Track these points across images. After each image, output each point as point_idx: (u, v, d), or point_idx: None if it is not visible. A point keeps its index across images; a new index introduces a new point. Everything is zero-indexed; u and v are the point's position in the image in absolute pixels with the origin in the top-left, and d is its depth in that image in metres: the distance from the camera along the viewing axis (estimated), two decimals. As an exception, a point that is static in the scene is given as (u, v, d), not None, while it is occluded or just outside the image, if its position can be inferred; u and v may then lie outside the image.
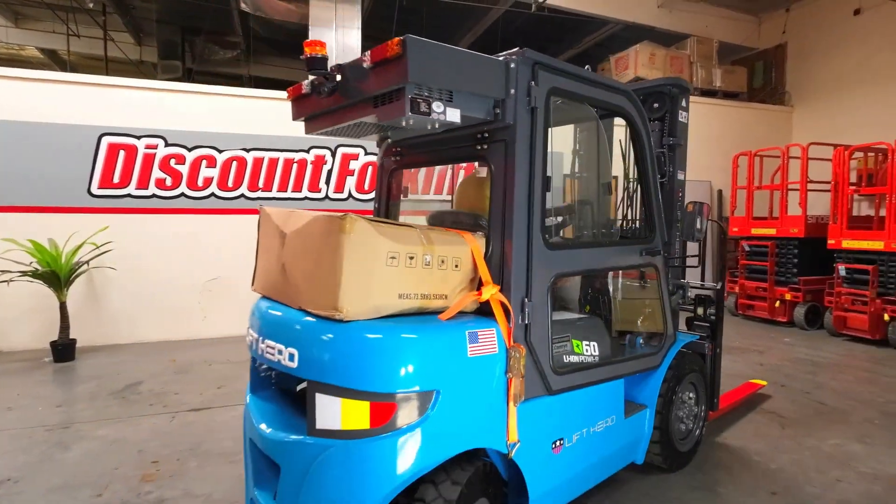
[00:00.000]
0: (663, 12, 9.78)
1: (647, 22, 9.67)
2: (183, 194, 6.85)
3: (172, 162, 6.77)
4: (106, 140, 6.49)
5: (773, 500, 3.06)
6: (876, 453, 3.68)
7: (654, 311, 3.21)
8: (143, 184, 6.67)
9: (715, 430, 3.98)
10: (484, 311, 2.31)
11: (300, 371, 2.10)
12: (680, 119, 3.59)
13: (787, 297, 7.74)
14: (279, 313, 2.31)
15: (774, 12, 10.70)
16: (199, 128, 6.86)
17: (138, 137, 6.62)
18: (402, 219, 3.20)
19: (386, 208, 3.12)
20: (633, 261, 3.05)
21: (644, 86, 3.69)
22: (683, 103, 3.61)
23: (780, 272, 7.96)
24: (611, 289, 3.34)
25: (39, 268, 5.75)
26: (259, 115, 7.12)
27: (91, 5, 9.50)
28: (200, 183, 6.91)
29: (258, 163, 7.13)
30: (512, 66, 2.25)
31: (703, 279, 3.92)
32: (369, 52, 2.02)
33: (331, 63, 2.24)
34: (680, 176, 3.64)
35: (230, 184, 7.04)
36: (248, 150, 7.08)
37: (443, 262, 2.19)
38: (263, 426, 2.30)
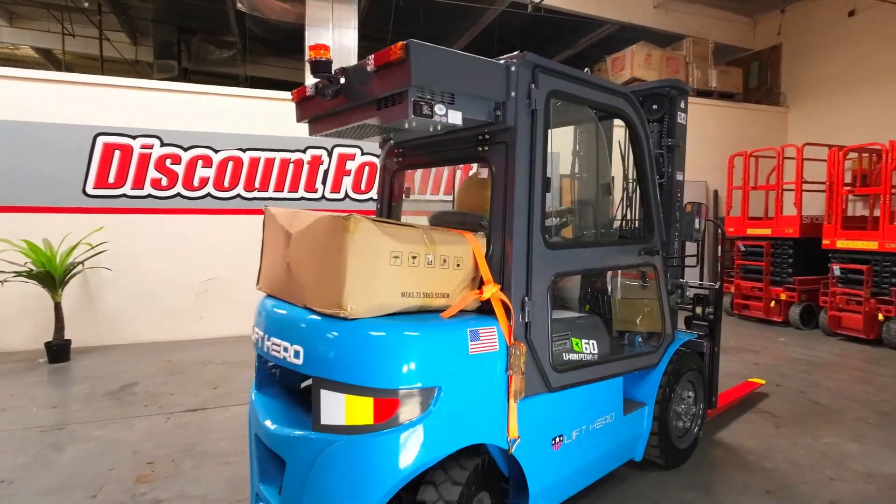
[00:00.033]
0: (659, 13, 9.82)
1: (644, 23, 9.72)
2: (179, 194, 6.83)
3: (168, 162, 6.75)
4: (101, 140, 6.46)
5: (768, 499, 3.08)
6: (870, 452, 3.70)
7: (653, 310, 3.24)
8: (138, 184, 6.64)
9: (710, 430, 4.00)
10: (485, 310, 2.34)
11: (305, 368, 2.14)
12: (678, 120, 3.63)
13: (783, 296, 7.79)
14: (284, 312, 2.35)
15: (769, 13, 10.77)
16: (195, 128, 6.84)
17: (134, 137, 6.59)
18: (404, 219, 3.23)
19: (388, 208, 3.15)
20: (631, 260, 3.08)
21: (643, 88, 3.73)
22: (682, 105, 3.65)
23: (775, 272, 8.00)
24: (610, 288, 3.38)
25: (34, 268, 5.72)
26: (255, 115, 7.09)
27: (86, 4, 9.47)
28: (196, 183, 6.89)
29: (254, 163, 7.11)
30: (512, 69, 2.29)
31: (701, 279, 3.95)
32: (373, 55, 2.06)
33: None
34: (678, 176, 3.68)
35: (226, 184, 7.02)
36: (244, 150, 7.06)
37: (445, 261, 2.23)
38: (269, 422, 2.34)
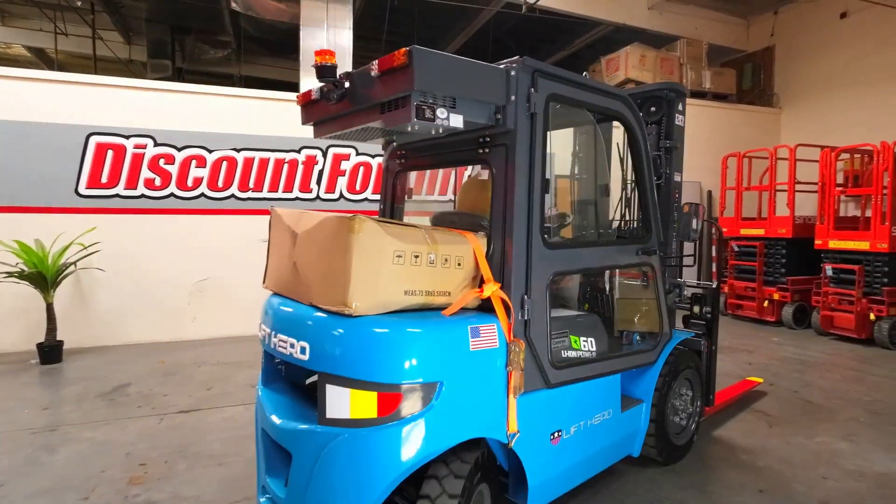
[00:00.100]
0: (654, 14, 9.88)
1: (638, 24, 9.77)
2: (172, 194, 6.78)
3: (162, 162, 6.71)
4: (94, 140, 6.41)
5: (761, 498, 3.10)
6: (861, 451, 3.73)
7: (651, 308, 3.28)
8: (131, 184, 6.60)
9: (705, 428, 4.02)
10: (485, 308, 2.40)
11: (311, 363, 2.20)
12: (676, 122, 3.68)
13: (776, 296, 7.85)
14: (291, 309, 2.41)
15: (763, 15, 10.86)
16: (188, 127, 6.80)
17: (127, 137, 6.54)
18: (406, 219, 3.29)
19: (391, 209, 3.22)
20: (629, 260, 3.13)
21: (642, 90, 3.78)
22: (680, 107, 3.70)
23: (768, 272, 8.06)
24: (609, 287, 3.43)
25: (26, 269, 5.66)
26: (250, 115, 7.07)
27: (79, 3, 9.40)
28: (190, 183, 6.85)
29: (248, 163, 7.08)
30: (512, 73, 2.35)
31: (699, 278, 3.99)
32: (376, 61, 2.12)
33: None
34: (676, 177, 3.72)
35: (220, 184, 6.98)
36: (238, 150, 7.02)
37: (446, 260, 2.29)
38: (275, 417, 2.41)
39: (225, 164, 6.97)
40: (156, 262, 6.70)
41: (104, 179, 6.48)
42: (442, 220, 2.92)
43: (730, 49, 11.03)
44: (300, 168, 7.33)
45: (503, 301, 2.34)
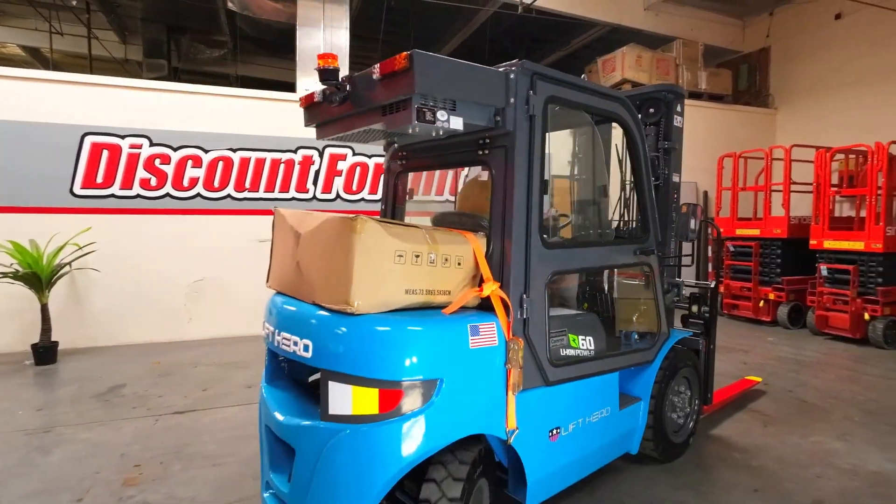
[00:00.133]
0: (650, 15, 9.91)
1: (634, 24, 9.80)
2: (168, 195, 6.76)
3: (157, 162, 6.68)
4: (89, 139, 6.38)
5: (755, 497, 3.12)
6: (855, 450, 3.75)
7: (649, 308, 3.31)
8: (127, 184, 6.57)
9: (701, 427, 4.03)
10: (485, 306, 2.43)
11: (314, 361, 2.24)
12: (675, 123, 3.71)
13: (771, 296, 7.88)
14: (294, 308, 2.46)
15: (758, 16, 10.90)
16: (184, 127, 6.78)
17: (122, 137, 6.52)
18: (407, 220, 3.32)
19: (392, 209, 3.25)
20: (627, 260, 3.16)
21: (641, 92, 3.80)
22: (678, 108, 3.73)
23: (763, 272, 8.10)
24: (607, 286, 3.46)
25: (20, 269, 5.63)
26: (246, 115, 7.05)
27: (75, 3, 9.35)
28: (186, 183, 6.82)
29: (245, 163, 7.06)
30: (511, 76, 2.39)
31: (697, 278, 4.01)
32: (378, 64, 2.16)
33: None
34: (675, 178, 3.74)
35: (216, 184, 6.96)
36: (234, 150, 7.00)
37: (446, 260, 2.33)
38: (278, 414, 2.44)
39: (221, 164, 6.95)
40: (151, 263, 6.67)
41: (99, 179, 6.45)
42: (442, 221, 2.95)
43: (726, 50, 11.07)
44: (297, 168, 7.31)
45: (502, 300, 2.37)
